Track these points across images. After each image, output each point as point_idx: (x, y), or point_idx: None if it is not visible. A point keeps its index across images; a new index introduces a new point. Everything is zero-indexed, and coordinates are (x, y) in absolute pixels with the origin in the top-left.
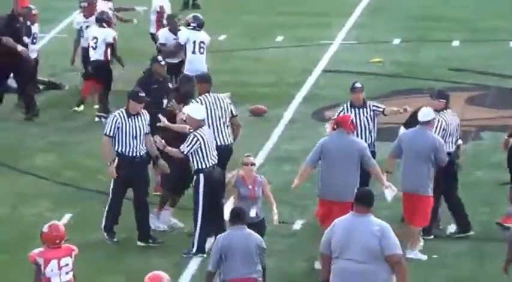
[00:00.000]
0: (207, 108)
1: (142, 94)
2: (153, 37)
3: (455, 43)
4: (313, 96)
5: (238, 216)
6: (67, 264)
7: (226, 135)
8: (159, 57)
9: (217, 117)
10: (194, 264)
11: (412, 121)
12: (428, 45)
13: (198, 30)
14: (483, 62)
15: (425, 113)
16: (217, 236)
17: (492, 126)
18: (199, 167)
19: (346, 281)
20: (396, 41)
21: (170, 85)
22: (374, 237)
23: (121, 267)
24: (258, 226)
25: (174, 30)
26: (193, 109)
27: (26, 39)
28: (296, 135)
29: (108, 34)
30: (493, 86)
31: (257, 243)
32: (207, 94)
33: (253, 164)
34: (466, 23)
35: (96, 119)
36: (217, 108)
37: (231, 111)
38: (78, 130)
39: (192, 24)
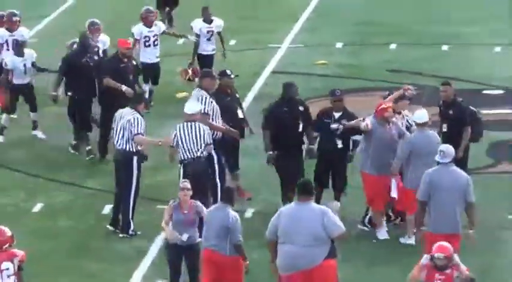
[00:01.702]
0: None
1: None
2: None
3: (393, 46)
4: (263, 96)
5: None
6: (7, 269)
7: None
8: (228, 71)
9: None
10: (155, 249)
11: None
12: (368, 48)
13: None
14: (418, 64)
15: (421, 115)
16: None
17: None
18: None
19: (290, 262)
20: (339, 45)
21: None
22: (318, 223)
23: (87, 251)
24: (192, 249)
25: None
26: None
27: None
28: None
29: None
30: (428, 86)
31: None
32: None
33: (188, 189)
34: (402, 28)
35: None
36: None
37: None
38: (47, 127)
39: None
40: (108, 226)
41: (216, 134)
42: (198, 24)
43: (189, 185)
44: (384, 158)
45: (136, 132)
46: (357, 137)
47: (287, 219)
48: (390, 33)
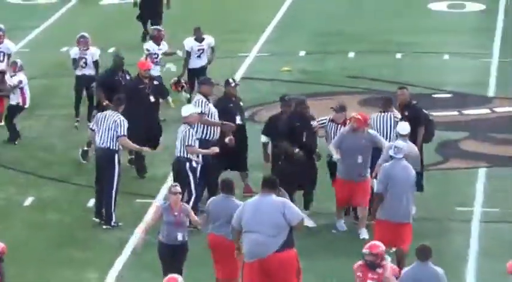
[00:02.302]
0: None
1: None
2: None
3: (351, 54)
4: None
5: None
6: None
7: None
8: (230, 80)
9: None
10: (135, 239)
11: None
12: (329, 56)
13: None
14: (375, 70)
15: (404, 127)
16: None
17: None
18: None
19: (254, 249)
20: (302, 53)
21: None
22: (279, 213)
23: (74, 241)
24: (181, 249)
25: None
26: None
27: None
28: None
29: None
30: (385, 91)
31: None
32: None
33: (180, 193)
34: (360, 37)
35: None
36: None
37: None
38: (37, 128)
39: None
40: (94, 218)
41: (212, 136)
42: (189, 43)
43: (179, 189)
44: (351, 165)
45: (122, 133)
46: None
47: (250, 211)
48: (349, 42)
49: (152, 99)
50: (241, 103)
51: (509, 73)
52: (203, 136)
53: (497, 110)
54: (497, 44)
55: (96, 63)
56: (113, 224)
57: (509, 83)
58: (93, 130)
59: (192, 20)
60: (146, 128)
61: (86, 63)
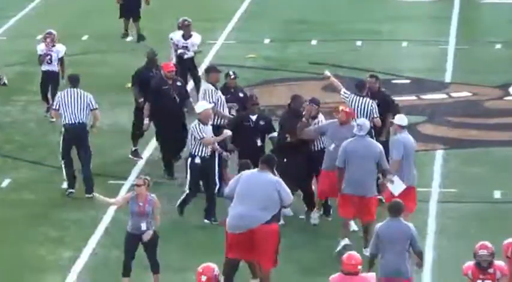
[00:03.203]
0: None
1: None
2: None
3: (314, 42)
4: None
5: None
6: None
7: None
8: (230, 72)
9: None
10: (108, 217)
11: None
12: (293, 43)
13: None
14: (337, 57)
15: (403, 118)
16: None
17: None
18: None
19: (238, 222)
20: (267, 41)
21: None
22: (274, 190)
23: (48, 220)
24: (152, 237)
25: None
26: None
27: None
28: None
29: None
30: (346, 77)
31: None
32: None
33: (140, 185)
34: (322, 26)
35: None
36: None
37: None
38: (13, 113)
39: None
40: (86, 195)
41: (222, 121)
42: (176, 36)
43: (142, 181)
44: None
45: (95, 106)
46: (274, 134)
47: (245, 182)
48: (312, 30)
49: (178, 98)
50: (240, 94)
51: (465, 59)
52: (214, 122)
53: (454, 95)
54: (454, 31)
55: (61, 60)
56: (94, 193)
57: (465, 69)
58: (57, 109)
59: (162, 9)
60: (173, 130)
61: (51, 59)
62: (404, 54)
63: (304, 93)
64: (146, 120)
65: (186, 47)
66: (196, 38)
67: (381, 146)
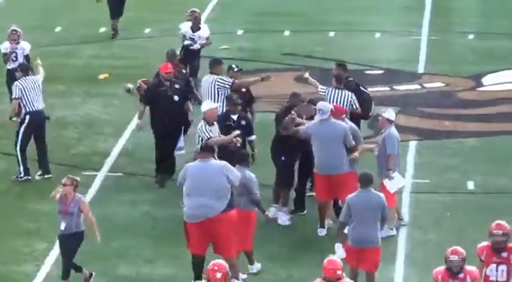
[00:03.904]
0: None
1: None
2: None
3: (287, 33)
4: None
5: None
6: None
7: None
8: (233, 66)
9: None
10: None
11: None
12: (266, 34)
13: None
14: (309, 48)
15: (392, 113)
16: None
17: (318, 98)
18: None
19: (195, 212)
20: (240, 32)
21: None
22: (223, 176)
23: (23, 212)
24: (72, 238)
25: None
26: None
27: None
28: None
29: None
30: (317, 68)
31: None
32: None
33: (66, 185)
34: (295, 17)
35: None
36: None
37: None
38: None
39: None
40: (37, 175)
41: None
42: (184, 28)
43: (69, 181)
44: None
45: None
46: (252, 138)
47: (192, 176)
48: (284, 21)
49: (176, 98)
50: (243, 89)
51: (438, 50)
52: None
53: (427, 85)
54: (426, 22)
55: (27, 58)
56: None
57: (438, 60)
58: (18, 98)
59: (137, 0)
60: (171, 132)
61: (16, 57)
62: (377, 45)
63: (278, 84)
64: (139, 121)
65: (193, 39)
66: (204, 31)
67: (346, 126)
